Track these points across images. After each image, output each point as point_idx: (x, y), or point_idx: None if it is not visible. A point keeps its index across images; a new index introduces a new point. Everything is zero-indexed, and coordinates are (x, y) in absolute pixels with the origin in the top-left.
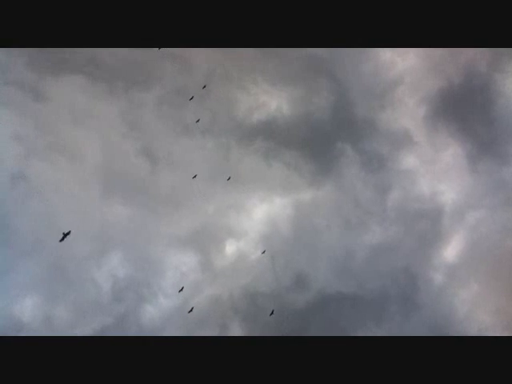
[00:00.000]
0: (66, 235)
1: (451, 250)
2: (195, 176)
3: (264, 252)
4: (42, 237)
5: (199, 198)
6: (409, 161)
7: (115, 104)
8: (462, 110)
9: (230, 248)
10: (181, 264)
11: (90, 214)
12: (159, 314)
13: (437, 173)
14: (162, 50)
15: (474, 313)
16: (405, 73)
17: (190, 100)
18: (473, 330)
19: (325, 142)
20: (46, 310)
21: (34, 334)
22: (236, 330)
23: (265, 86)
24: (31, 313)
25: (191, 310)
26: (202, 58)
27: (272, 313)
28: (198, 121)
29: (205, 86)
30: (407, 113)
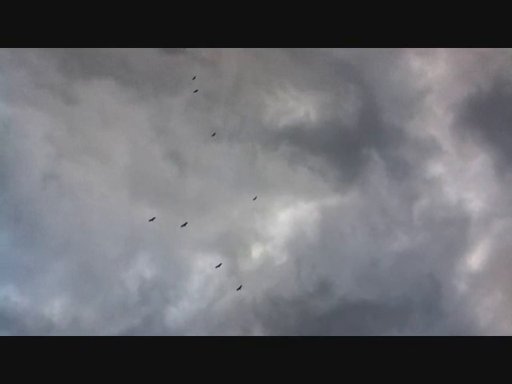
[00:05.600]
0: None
1: (476, 258)
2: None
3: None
4: (71, 237)
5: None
6: (436, 169)
7: (144, 107)
8: (490, 118)
9: (256, 252)
10: (207, 267)
11: (119, 215)
12: (184, 315)
13: (464, 181)
14: (190, 52)
15: (497, 321)
16: (434, 81)
17: (193, 79)
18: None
19: (351, 147)
20: (75, 310)
21: (62, 335)
22: (257, 334)
23: (293, 91)
24: (60, 313)
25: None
26: (231, 62)
27: (239, 288)
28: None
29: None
30: (435, 121)
